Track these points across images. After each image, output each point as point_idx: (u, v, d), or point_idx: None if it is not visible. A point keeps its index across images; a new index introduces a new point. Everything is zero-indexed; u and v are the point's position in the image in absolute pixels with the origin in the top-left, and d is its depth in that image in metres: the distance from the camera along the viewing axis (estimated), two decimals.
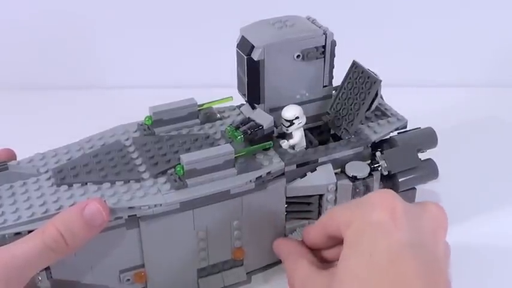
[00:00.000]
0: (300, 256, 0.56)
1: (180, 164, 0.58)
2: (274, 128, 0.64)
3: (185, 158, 0.58)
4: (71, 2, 0.98)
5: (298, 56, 0.63)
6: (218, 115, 0.68)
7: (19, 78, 1.00)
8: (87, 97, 0.98)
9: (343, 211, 0.52)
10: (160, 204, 0.57)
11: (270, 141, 0.62)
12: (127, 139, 0.65)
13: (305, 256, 0.56)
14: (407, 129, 0.70)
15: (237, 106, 0.70)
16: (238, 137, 0.62)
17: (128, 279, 0.60)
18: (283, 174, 0.62)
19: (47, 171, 0.61)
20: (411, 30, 1.00)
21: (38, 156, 0.63)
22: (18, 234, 0.54)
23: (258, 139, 0.62)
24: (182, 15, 0.99)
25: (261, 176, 0.60)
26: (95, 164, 0.61)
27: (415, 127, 0.71)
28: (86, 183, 0.59)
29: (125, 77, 1.02)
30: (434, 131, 0.70)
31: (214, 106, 0.69)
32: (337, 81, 0.67)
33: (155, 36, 1.00)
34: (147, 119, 0.66)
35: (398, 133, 0.70)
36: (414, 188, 0.69)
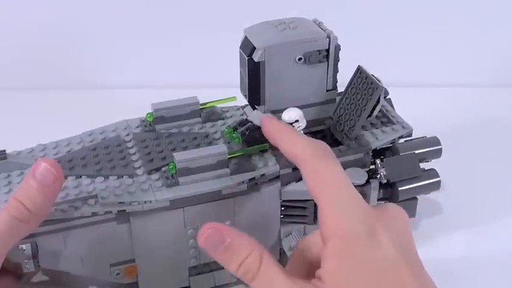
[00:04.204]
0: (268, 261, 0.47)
1: (173, 161, 0.59)
2: None
3: (178, 156, 0.58)
4: (71, 2, 0.99)
5: (300, 59, 0.63)
6: (222, 114, 0.68)
7: (19, 78, 1.01)
8: (92, 97, 0.98)
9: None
10: (150, 201, 0.57)
11: (266, 143, 0.62)
12: (127, 134, 0.65)
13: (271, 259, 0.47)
14: (413, 137, 0.69)
15: (241, 106, 0.70)
16: (236, 139, 0.62)
17: (118, 273, 0.61)
18: (278, 177, 0.62)
19: None
20: (416, 31, 1.00)
21: (39, 147, 0.64)
22: None
23: (255, 140, 0.62)
24: (188, 15, 0.99)
25: (254, 178, 0.60)
26: (91, 158, 0.62)
27: (421, 136, 0.70)
28: (81, 176, 0.60)
29: (130, 77, 1.03)
30: (439, 141, 0.69)
31: (218, 105, 0.69)
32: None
33: (160, 36, 1.00)
34: (148, 115, 0.66)
35: (404, 141, 0.69)
36: (415, 198, 0.68)
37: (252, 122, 0.63)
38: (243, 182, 0.59)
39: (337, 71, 0.66)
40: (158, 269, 0.62)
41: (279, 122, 0.56)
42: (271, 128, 0.55)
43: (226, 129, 0.63)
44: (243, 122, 0.63)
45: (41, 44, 1.01)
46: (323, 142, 0.51)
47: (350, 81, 0.66)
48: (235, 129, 0.63)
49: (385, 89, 0.63)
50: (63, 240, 0.58)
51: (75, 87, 1.01)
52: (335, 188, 0.47)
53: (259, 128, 0.62)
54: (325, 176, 0.48)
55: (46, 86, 1.01)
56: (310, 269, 0.51)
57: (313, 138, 0.52)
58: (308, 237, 0.53)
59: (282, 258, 0.67)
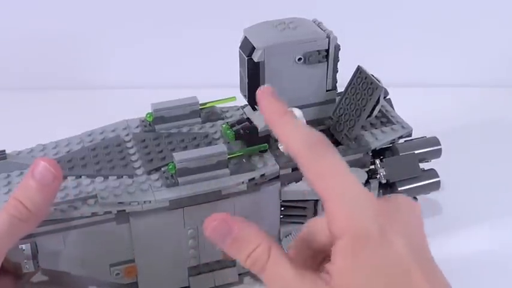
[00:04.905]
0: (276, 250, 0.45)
1: (172, 161, 0.59)
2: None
3: (177, 156, 0.58)
4: (71, 2, 0.99)
5: (299, 59, 0.63)
6: (221, 114, 0.68)
7: (19, 78, 1.01)
8: (92, 97, 0.98)
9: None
10: (150, 201, 0.57)
11: (265, 144, 0.62)
12: (127, 134, 0.65)
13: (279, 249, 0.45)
14: (413, 137, 0.69)
15: (241, 106, 0.70)
16: (230, 135, 0.62)
17: (118, 274, 0.61)
18: (277, 177, 0.62)
19: None
20: (416, 31, 1.00)
21: (38, 148, 0.64)
22: None
23: (251, 140, 0.62)
24: (188, 15, 0.99)
25: (254, 178, 0.60)
26: (91, 158, 0.62)
27: (421, 136, 0.70)
28: (80, 176, 0.60)
29: (130, 77, 1.02)
30: (438, 141, 0.69)
31: (217, 105, 0.69)
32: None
33: (160, 36, 1.00)
34: (148, 115, 0.66)
35: (404, 141, 0.69)
36: (415, 198, 0.68)
37: (249, 122, 0.63)
38: (242, 182, 0.59)
39: (337, 71, 0.66)
40: (158, 269, 0.62)
41: (274, 103, 0.48)
42: (267, 112, 0.49)
43: (224, 126, 0.63)
44: (241, 121, 0.63)
45: (41, 44, 1.01)
46: (320, 133, 0.46)
47: (350, 81, 0.66)
48: (232, 126, 0.63)
49: (385, 89, 0.64)
50: (63, 240, 0.58)
51: (75, 87, 1.01)
52: (340, 181, 0.44)
53: (255, 128, 0.62)
54: (327, 169, 0.44)
55: (46, 86, 1.00)
56: (315, 253, 0.49)
57: (311, 128, 0.47)
58: (317, 220, 0.50)
59: None
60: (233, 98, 0.69)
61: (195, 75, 0.99)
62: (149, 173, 0.60)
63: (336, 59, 0.65)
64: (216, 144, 0.63)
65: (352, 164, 0.64)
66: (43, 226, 0.56)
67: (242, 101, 0.68)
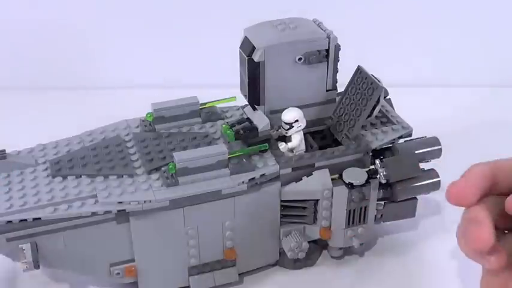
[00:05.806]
0: None
1: (173, 161, 0.59)
2: (276, 131, 0.64)
3: (177, 156, 0.59)
4: (71, 2, 0.99)
5: (300, 59, 0.63)
6: (221, 114, 0.68)
7: (19, 78, 1.01)
8: (92, 97, 0.98)
9: None
10: (150, 201, 0.57)
11: (266, 143, 0.62)
12: (127, 134, 0.65)
13: None
14: (413, 137, 0.69)
15: (241, 106, 0.70)
16: (230, 135, 0.62)
17: (118, 273, 0.61)
18: (278, 177, 0.62)
19: (44, 162, 0.62)
20: (416, 31, 1.00)
21: (38, 147, 0.64)
22: (9, 223, 0.56)
23: (251, 140, 0.62)
24: (188, 15, 0.99)
25: (254, 178, 0.60)
26: (91, 158, 0.62)
27: (421, 136, 0.70)
28: (80, 176, 0.60)
29: (130, 77, 1.03)
30: (438, 141, 0.69)
31: (217, 105, 0.69)
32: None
33: (160, 36, 1.00)
34: (148, 115, 0.67)
35: (404, 141, 0.69)
36: (415, 198, 0.68)
37: (249, 122, 0.63)
38: (243, 182, 0.59)
39: (337, 71, 0.66)
40: (158, 268, 0.62)
41: None
42: None
43: (224, 126, 0.63)
44: (241, 121, 0.63)
45: (41, 43, 1.01)
46: None
47: (350, 81, 0.66)
48: (232, 126, 0.63)
49: (385, 89, 0.64)
50: (63, 240, 0.58)
51: (75, 87, 1.01)
52: None
53: (255, 128, 0.62)
54: None
55: (46, 86, 1.01)
56: None
57: None
58: None
59: (282, 258, 0.67)
60: (233, 98, 0.69)
61: (195, 75, 0.99)
62: (149, 172, 0.60)
63: (336, 59, 0.65)
64: (216, 144, 0.63)
65: (352, 164, 0.64)
66: (43, 226, 0.56)
67: (242, 101, 0.68)
